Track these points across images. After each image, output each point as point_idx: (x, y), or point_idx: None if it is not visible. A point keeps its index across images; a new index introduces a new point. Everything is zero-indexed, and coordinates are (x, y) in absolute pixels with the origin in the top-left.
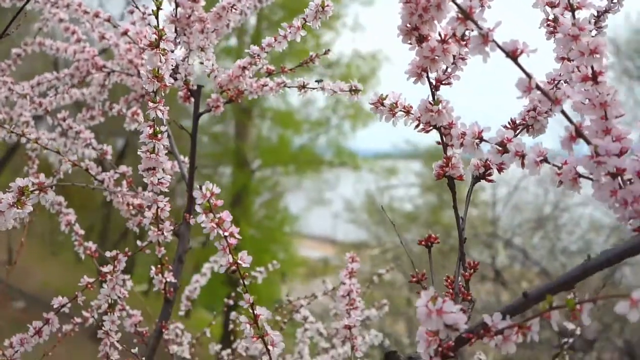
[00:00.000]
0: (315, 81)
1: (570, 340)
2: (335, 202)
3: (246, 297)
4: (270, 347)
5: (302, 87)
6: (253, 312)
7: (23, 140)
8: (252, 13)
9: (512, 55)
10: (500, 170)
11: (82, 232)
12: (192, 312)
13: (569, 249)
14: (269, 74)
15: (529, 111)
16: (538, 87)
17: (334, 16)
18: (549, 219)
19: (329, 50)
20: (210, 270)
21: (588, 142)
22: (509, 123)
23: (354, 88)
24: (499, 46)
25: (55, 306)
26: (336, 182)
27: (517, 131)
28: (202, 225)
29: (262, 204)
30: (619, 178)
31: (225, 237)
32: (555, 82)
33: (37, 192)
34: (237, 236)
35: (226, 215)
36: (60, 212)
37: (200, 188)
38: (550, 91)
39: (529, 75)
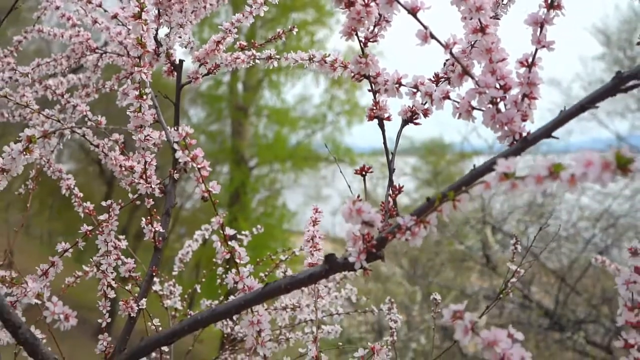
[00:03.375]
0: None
1: (514, 280)
2: (333, 198)
3: (216, 219)
4: (238, 260)
5: (269, 57)
6: (223, 233)
7: (28, 111)
8: None
9: (412, 11)
10: (425, 115)
11: (81, 194)
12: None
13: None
14: (242, 49)
15: (449, 65)
16: (432, 36)
17: (328, 13)
18: (541, 206)
19: (294, 27)
20: (202, 236)
21: (472, 77)
22: (433, 76)
23: (312, 57)
24: (400, 4)
25: (59, 250)
26: (332, 178)
27: (440, 82)
28: (179, 160)
29: (260, 201)
30: (497, 105)
31: (199, 169)
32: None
33: (42, 138)
34: (208, 168)
35: (199, 152)
36: (60, 178)
37: (177, 130)
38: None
39: (425, 27)
